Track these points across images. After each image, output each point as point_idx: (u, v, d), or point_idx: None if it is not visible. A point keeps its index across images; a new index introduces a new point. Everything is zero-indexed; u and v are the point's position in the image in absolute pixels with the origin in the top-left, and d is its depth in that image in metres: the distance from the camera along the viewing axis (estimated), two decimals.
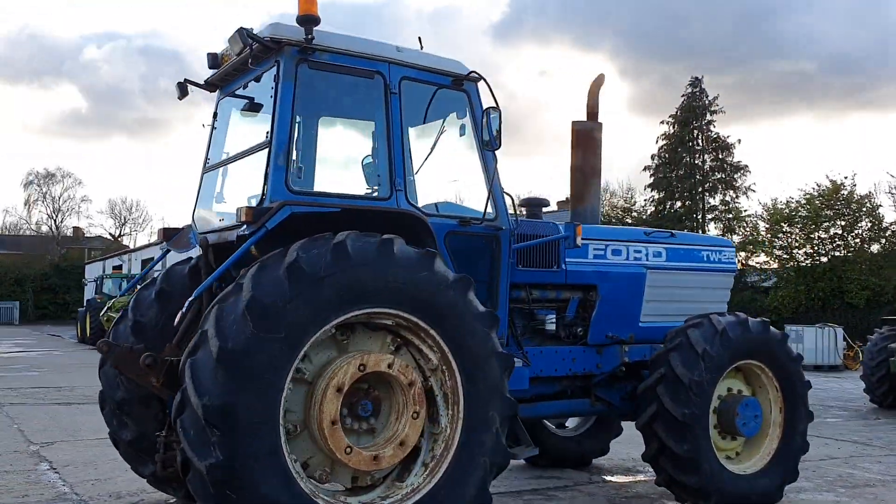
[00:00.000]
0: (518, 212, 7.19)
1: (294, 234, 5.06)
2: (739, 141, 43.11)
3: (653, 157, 43.96)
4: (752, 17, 74.05)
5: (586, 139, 7.74)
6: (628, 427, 7.71)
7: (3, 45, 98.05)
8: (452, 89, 6.21)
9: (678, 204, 43.06)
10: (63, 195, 74.43)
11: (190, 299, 5.06)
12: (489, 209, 6.19)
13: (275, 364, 4.68)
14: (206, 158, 6.56)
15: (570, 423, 8.85)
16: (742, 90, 70.91)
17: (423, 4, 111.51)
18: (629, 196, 46.68)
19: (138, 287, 6.61)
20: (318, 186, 6.08)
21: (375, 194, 5.93)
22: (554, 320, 7.12)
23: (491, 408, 5.39)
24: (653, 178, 43.85)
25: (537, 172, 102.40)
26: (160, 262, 6.99)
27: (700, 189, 42.78)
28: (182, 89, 6.39)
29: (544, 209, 7.66)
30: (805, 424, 7.13)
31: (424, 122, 6.48)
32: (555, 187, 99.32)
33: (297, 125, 5.56)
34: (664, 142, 43.46)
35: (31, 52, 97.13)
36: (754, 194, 46.69)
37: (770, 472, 6.92)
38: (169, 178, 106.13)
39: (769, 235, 37.54)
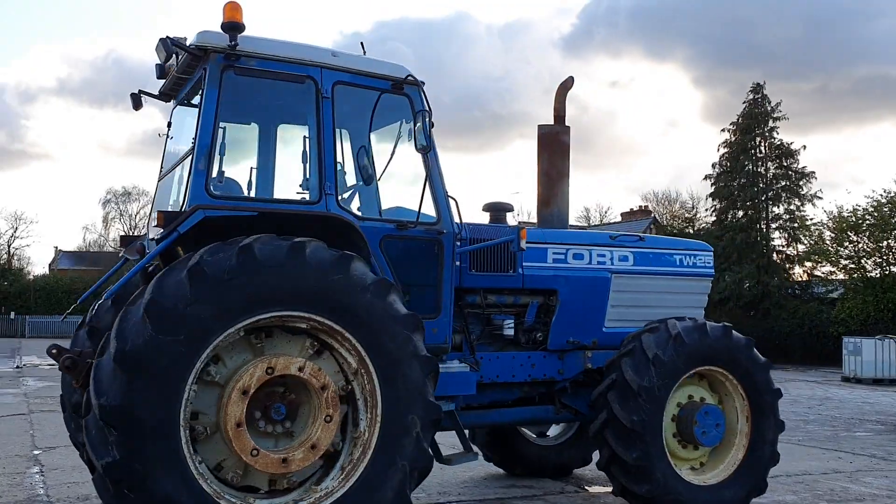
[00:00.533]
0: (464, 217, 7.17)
1: (223, 239, 5.10)
2: (804, 147, 41.60)
3: (714, 166, 42.94)
4: (826, 23, 72.14)
5: (552, 142, 7.64)
6: None
7: (89, 70, 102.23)
8: (395, 94, 6.19)
9: (740, 213, 41.85)
10: (140, 212, 77.13)
11: (99, 302, 5.17)
12: (432, 213, 6.17)
13: (175, 366, 4.74)
14: (161, 166, 6.70)
15: (552, 431, 8.69)
16: (819, 96, 68.92)
17: (493, 19, 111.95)
18: (690, 206, 45.65)
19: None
20: (249, 191, 6.15)
21: (305, 198, 5.94)
22: (512, 325, 7.02)
23: (411, 412, 5.34)
24: (714, 188, 42.78)
25: (608, 184, 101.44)
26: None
27: (763, 197, 41.46)
28: (136, 101, 6.54)
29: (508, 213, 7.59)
30: (774, 434, 6.84)
31: (372, 128, 6.47)
32: (623, 199, 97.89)
33: (221, 131, 5.61)
34: (725, 150, 42.38)
35: (114, 76, 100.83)
36: (821, 202, 44.68)
37: (734, 483, 6.66)
38: None
39: (835, 245, 36.22)
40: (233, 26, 5.53)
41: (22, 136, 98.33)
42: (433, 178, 6.21)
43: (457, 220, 6.41)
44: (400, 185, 6.48)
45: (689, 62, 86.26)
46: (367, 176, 6.25)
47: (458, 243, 6.37)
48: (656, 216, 55.40)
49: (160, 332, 4.69)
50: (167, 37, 5.57)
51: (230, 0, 5.50)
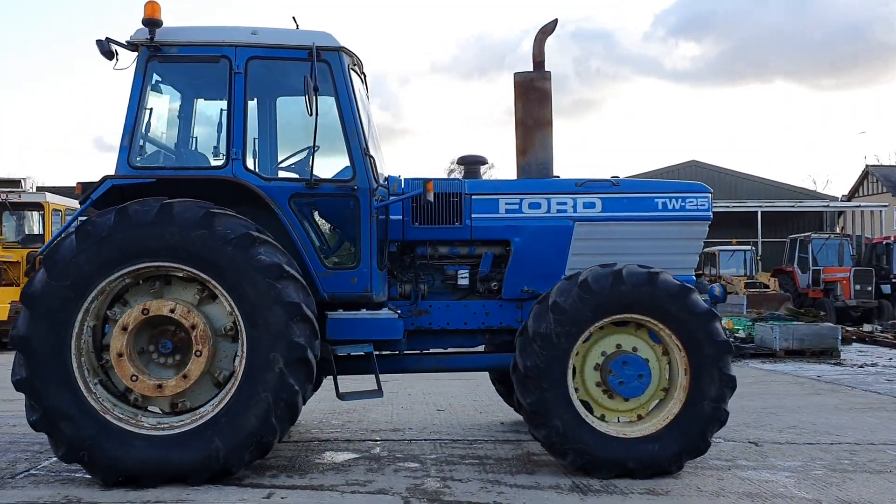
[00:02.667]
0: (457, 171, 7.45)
1: None
2: None
3: None
4: None
5: (528, 90, 7.57)
6: None
7: (456, 47, 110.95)
8: (317, 62, 6.71)
9: None
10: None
11: (37, 256, 6.52)
12: (348, 171, 6.68)
13: (64, 305, 5.94)
14: None
15: None
16: None
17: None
18: None
19: None
20: (171, 162, 7.08)
21: (218, 164, 6.76)
22: (467, 276, 7.23)
23: (274, 350, 5.98)
24: None
25: None
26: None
27: None
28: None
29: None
30: (720, 391, 6.26)
31: (299, 95, 7.06)
32: None
33: (147, 111, 6.68)
34: None
35: (477, 51, 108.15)
36: None
37: (663, 438, 6.26)
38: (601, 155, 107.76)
39: None
40: (151, 22, 6.54)
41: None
42: (349, 137, 6.69)
43: (380, 176, 6.84)
44: (327, 147, 7.01)
45: None
46: (287, 140, 6.92)
47: (378, 199, 6.75)
48: None
49: (52, 278, 5.92)
50: (106, 38, 6.68)
51: (149, 0, 6.54)
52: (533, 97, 7.57)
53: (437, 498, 5.72)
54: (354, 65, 7.06)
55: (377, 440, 7.72)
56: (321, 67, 6.71)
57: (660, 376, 6.47)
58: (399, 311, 6.91)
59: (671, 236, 7.24)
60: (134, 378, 6.04)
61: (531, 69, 7.60)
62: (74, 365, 5.98)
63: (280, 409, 6.02)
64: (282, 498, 5.74)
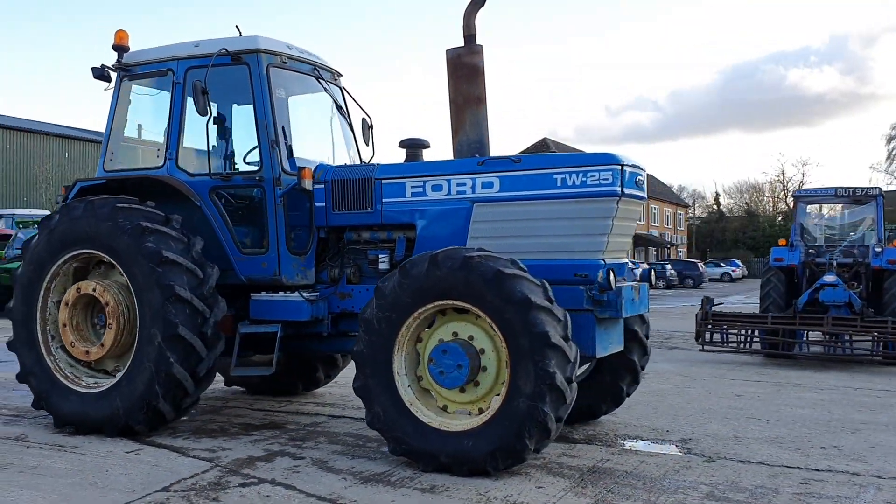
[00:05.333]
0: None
1: None
2: None
3: None
4: None
5: (457, 66, 7.29)
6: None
7: None
8: (237, 65, 7.41)
9: None
10: None
11: None
12: (255, 164, 7.32)
13: (30, 284, 7.50)
14: None
15: None
16: None
17: None
18: None
19: None
20: (135, 164, 8.12)
21: (158, 165, 7.73)
22: (387, 260, 7.28)
23: (154, 327, 6.85)
24: None
25: None
26: None
27: None
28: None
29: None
30: (535, 387, 5.57)
31: (231, 99, 7.80)
32: None
33: (122, 123, 7.96)
34: None
35: None
36: None
37: (479, 435, 5.79)
38: None
39: None
40: (119, 48, 7.85)
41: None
42: (258, 130, 7.28)
43: (285, 166, 7.28)
44: (249, 143, 7.61)
45: None
46: (217, 139, 7.67)
47: (282, 187, 7.20)
48: None
49: (26, 263, 7.53)
50: (101, 65, 8.06)
51: (119, 29, 7.85)
52: (462, 74, 7.30)
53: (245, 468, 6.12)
54: (284, 62, 7.56)
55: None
56: (241, 69, 7.38)
57: (498, 368, 5.98)
58: (312, 295, 7.28)
59: (570, 216, 6.50)
60: (72, 344, 7.39)
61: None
62: (38, 332, 7.50)
63: (161, 378, 6.86)
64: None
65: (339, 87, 8.43)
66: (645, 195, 6.90)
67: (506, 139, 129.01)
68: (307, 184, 7.08)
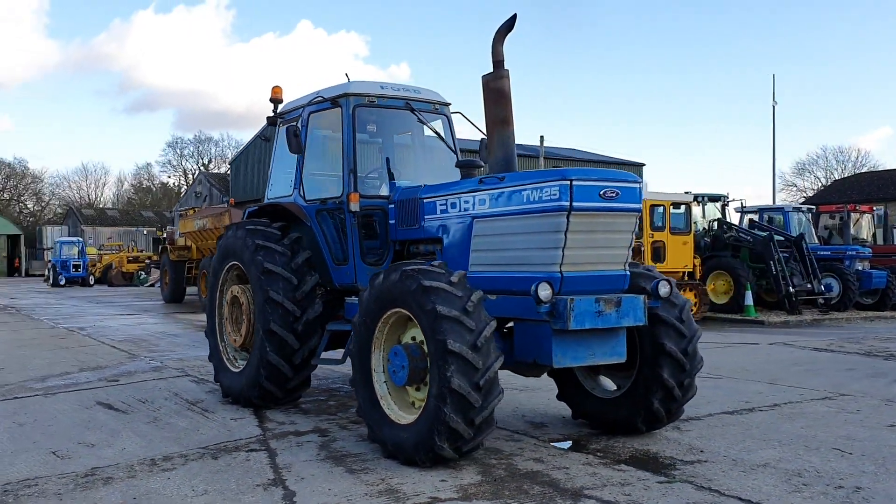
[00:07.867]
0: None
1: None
2: None
3: None
4: None
5: (485, 91, 7.77)
6: None
7: None
8: (335, 108, 8.92)
9: None
10: None
11: None
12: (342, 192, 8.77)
13: (213, 287, 9.89)
14: None
15: (609, 384, 7.89)
16: None
17: None
18: None
19: None
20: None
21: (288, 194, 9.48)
22: None
23: (258, 323, 8.68)
24: None
25: None
26: None
27: None
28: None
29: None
30: (438, 390, 6.14)
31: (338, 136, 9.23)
32: None
33: (274, 161, 9.99)
34: None
35: None
36: None
37: (411, 429, 6.51)
38: None
39: None
40: (274, 100, 9.89)
41: None
42: (343, 161, 8.70)
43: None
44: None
45: None
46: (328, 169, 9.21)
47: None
48: None
49: (210, 271, 9.99)
50: (273, 114, 10.14)
51: (275, 85, 9.91)
52: (490, 98, 7.85)
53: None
54: (372, 101, 8.85)
55: None
56: (335, 112, 8.90)
57: None
58: None
59: (531, 230, 6.77)
60: (229, 333, 9.62)
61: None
62: (217, 322, 9.88)
63: (263, 363, 8.68)
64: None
65: (445, 116, 9.43)
66: (626, 206, 6.79)
67: None
68: (354, 206, 8.33)
